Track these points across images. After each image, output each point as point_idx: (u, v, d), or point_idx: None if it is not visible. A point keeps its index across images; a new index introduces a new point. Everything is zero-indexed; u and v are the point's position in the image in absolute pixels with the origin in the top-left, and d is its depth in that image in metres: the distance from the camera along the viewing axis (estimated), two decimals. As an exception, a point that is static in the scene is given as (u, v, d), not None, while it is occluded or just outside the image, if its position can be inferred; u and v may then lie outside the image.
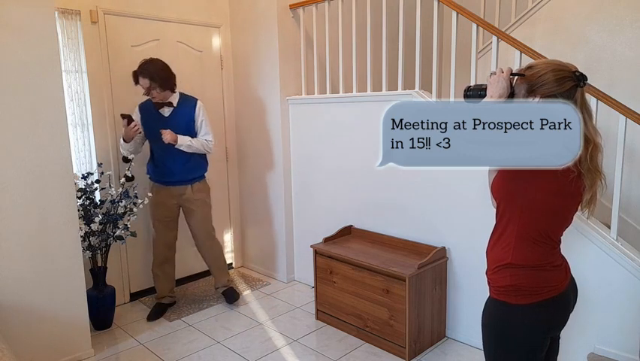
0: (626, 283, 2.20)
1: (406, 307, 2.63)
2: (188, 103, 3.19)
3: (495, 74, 1.43)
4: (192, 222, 3.33)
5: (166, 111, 3.13)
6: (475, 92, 1.50)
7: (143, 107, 3.15)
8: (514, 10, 3.58)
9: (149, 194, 3.23)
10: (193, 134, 3.18)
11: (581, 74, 1.35)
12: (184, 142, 3.09)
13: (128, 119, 3.02)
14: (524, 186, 1.37)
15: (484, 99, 1.44)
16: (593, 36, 3.19)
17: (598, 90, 2.21)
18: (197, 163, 3.27)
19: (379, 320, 2.80)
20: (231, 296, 3.44)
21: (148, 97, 3.09)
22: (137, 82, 3.02)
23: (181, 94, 3.19)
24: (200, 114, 3.20)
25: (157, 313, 3.28)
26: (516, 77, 1.43)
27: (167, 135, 3.02)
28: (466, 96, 1.55)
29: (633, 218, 3.03)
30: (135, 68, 3.04)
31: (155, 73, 2.99)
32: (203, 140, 3.19)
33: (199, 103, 3.21)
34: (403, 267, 2.70)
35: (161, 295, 3.35)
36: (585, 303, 2.25)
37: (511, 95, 1.44)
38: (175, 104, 3.14)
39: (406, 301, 2.62)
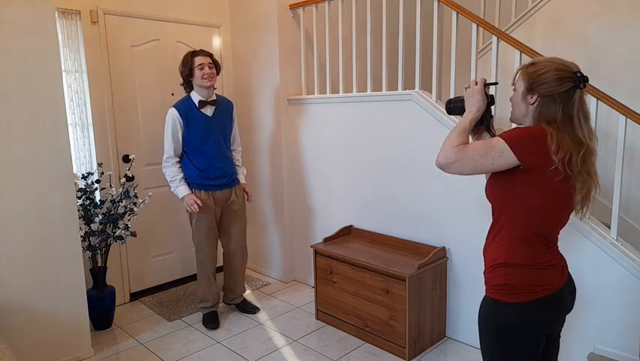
0: (626, 283, 2.20)
1: (406, 307, 2.63)
2: (226, 103, 3.15)
3: (469, 87, 1.47)
4: (234, 227, 3.17)
5: (209, 110, 2.99)
6: (456, 104, 1.57)
7: (183, 109, 2.93)
8: (514, 10, 3.58)
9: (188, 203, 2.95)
10: (228, 135, 3.15)
11: (582, 75, 1.36)
12: (240, 156, 3.26)
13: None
14: (516, 188, 1.38)
15: (465, 113, 1.49)
16: (593, 36, 3.19)
17: (598, 90, 2.22)
18: (234, 166, 3.22)
19: (379, 320, 2.80)
20: (252, 308, 3.33)
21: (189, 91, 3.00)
22: (188, 62, 2.91)
23: (216, 94, 3.07)
24: (236, 118, 3.23)
25: (217, 320, 3.14)
26: (495, 85, 1.46)
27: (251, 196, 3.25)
28: (448, 110, 1.60)
29: (633, 218, 3.03)
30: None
31: (212, 56, 3.00)
32: (241, 158, 3.28)
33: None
34: (403, 267, 2.70)
35: (214, 303, 3.17)
36: (585, 303, 2.25)
37: (491, 103, 1.48)
38: (216, 103, 3.03)
39: (406, 301, 2.62)
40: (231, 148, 3.22)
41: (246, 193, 3.25)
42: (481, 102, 1.45)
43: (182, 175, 2.99)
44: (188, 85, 3.00)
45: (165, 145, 2.98)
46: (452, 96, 2.74)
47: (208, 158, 2.99)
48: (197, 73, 2.90)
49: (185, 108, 2.95)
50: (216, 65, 3.01)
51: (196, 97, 2.97)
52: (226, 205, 3.12)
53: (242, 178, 3.25)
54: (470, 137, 1.51)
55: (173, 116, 2.92)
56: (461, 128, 1.44)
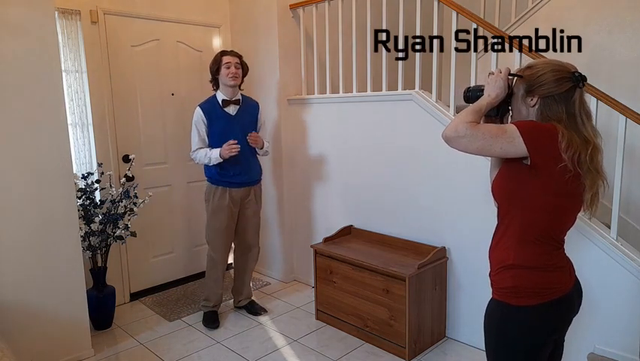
0: (626, 283, 2.20)
1: (406, 307, 2.63)
2: (251, 103, 3.19)
3: (493, 73, 1.45)
4: (249, 226, 3.20)
5: (232, 109, 3.05)
6: (474, 93, 1.52)
7: (207, 108, 3.02)
8: (514, 10, 3.58)
9: (211, 201, 3.03)
10: None
11: (580, 74, 1.36)
12: (265, 145, 3.14)
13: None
14: (523, 186, 1.37)
15: (482, 97, 1.45)
16: (593, 36, 3.19)
17: (598, 90, 2.22)
18: (259, 164, 3.23)
19: (379, 320, 2.80)
20: (259, 309, 3.31)
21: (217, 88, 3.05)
22: (217, 60, 2.98)
23: (242, 95, 3.13)
24: (263, 117, 3.25)
25: (216, 320, 3.15)
26: (515, 77, 1.44)
27: (257, 139, 3.04)
28: (466, 98, 1.56)
29: (633, 218, 3.02)
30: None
31: (242, 57, 3.08)
32: (267, 145, 3.23)
33: (260, 105, 3.23)
34: (403, 267, 2.70)
35: (217, 303, 3.20)
36: (585, 303, 2.22)
37: (510, 95, 1.45)
38: (240, 103, 3.09)
39: (406, 301, 2.62)
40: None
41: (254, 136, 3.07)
42: (502, 90, 1.42)
43: (209, 148, 3.02)
44: (215, 82, 3.07)
45: (192, 141, 3.07)
46: (452, 96, 2.75)
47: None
48: (224, 71, 2.98)
49: (209, 107, 3.04)
50: (243, 67, 3.08)
51: (220, 96, 3.05)
52: (243, 203, 3.14)
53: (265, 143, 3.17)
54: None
55: (197, 114, 3.03)
56: (476, 108, 1.41)
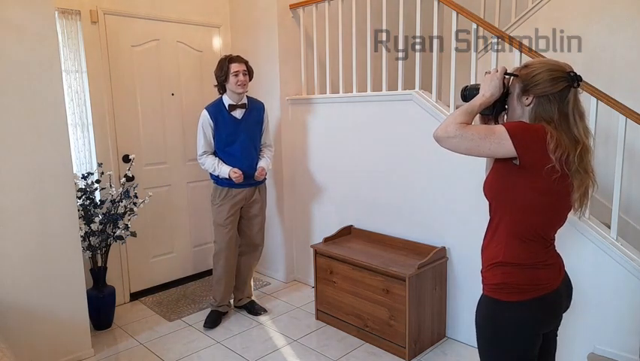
0: (626, 283, 2.20)
1: (406, 307, 2.63)
2: (256, 105, 3.18)
3: (490, 72, 1.46)
4: (253, 226, 3.24)
5: (238, 113, 3.06)
6: (471, 92, 1.54)
7: (214, 111, 3.03)
8: (514, 10, 3.58)
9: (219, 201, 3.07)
10: (258, 137, 3.18)
11: (576, 74, 1.37)
12: (268, 167, 3.17)
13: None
14: (513, 185, 1.39)
15: (477, 95, 1.46)
16: (593, 36, 3.19)
17: (598, 90, 2.22)
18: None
19: (379, 320, 2.80)
20: (259, 309, 3.32)
21: (222, 93, 3.06)
22: (224, 68, 2.96)
23: (247, 97, 3.12)
24: (268, 118, 3.26)
25: (215, 321, 3.15)
26: (511, 77, 1.44)
27: (263, 173, 3.11)
28: (463, 97, 1.58)
29: (633, 218, 3.02)
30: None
31: (247, 63, 3.06)
32: (270, 153, 3.24)
33: (265, 106, 3.23)
34: (403, 267, 2.70)
35: (221, 303, 3.20)
36: (585, 303, 2.25)
37: (506, 94, 1.46)
38: (247, 107, 3.09)
39: (406, 301, 2.62)
40: (261, 147, 3.25)
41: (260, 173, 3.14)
42: (497, 89, 1.43)
43: (218, 159, 3.06)
44: (221, 87, 3.06)
45: (198, 144, 3.09)
46: (452, 96, 2.75)
47: (233, 159, 3.05)
48: (232, 79, 2.98)
49: (215, 110, 3.04)
50: (250, 72, 3.08)
51: (227, 100, 3.05)
52: (248, 203, 3.17)
53: (262, 163, 3.17)
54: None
55: (204, 117, 3.04)
56: (468, 108, 1.43)
